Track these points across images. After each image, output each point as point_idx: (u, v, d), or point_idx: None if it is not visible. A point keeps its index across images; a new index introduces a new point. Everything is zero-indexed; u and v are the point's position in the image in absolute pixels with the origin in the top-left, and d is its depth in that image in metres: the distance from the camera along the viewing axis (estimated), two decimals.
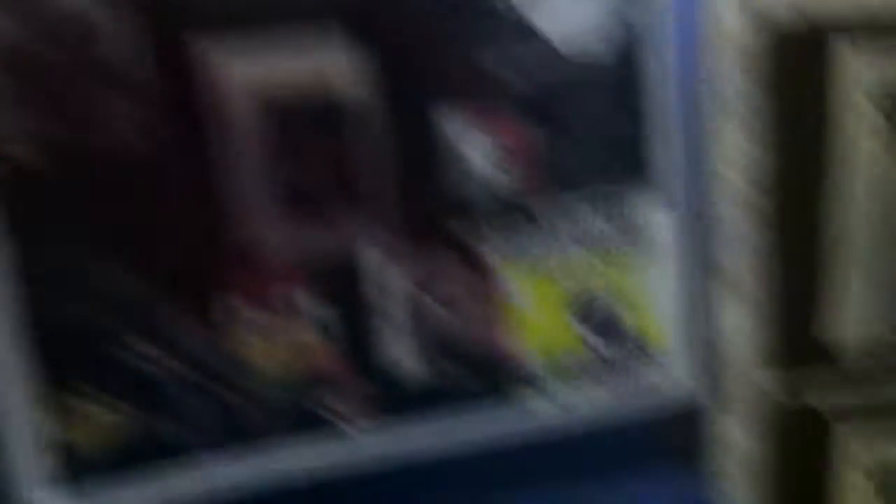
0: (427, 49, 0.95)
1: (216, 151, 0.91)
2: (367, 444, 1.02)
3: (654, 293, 1.08)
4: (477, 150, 0.98)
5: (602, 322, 1.07)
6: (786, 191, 1.10)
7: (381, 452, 1.03)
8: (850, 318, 1.13)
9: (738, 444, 1.22)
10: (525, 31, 0.96)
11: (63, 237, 0.90)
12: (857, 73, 1.05)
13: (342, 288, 0.98)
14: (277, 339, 0.97)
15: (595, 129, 1.01)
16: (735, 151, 1.08)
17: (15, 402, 0.92)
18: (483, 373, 1.04)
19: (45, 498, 0.94)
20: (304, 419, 1.00)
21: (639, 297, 1.07)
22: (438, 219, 0.99)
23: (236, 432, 0.98)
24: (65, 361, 0.92)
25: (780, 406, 1.22)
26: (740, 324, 1.18)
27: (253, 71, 0.90)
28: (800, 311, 1.16)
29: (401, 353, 1.01)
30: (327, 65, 0.92)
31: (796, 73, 1.06)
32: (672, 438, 1.15)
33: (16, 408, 0.92)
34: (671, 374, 1.11)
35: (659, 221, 1.06)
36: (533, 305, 1.04)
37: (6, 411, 0.92)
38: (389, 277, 0.99)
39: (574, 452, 1.10)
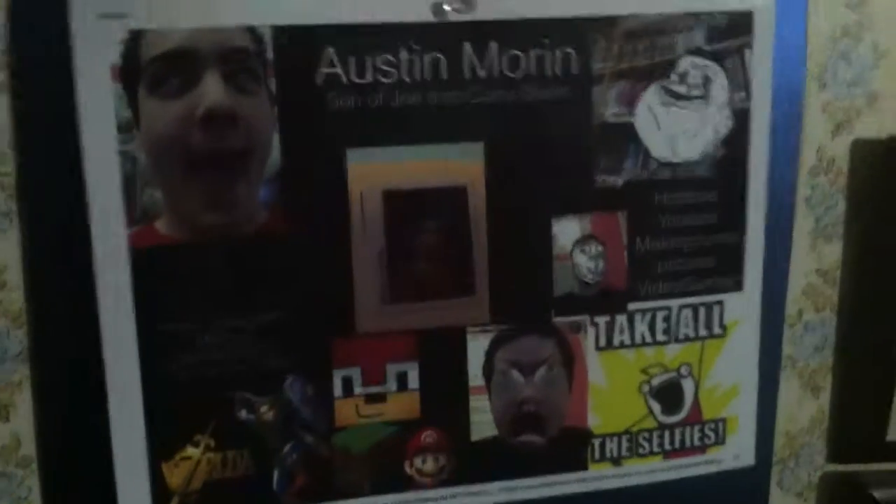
0: (549, 167, 1.02)
1: (342, 239, 0.98)
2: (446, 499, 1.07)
3: (728, 377, 1.11)
4: (584, 253, 1.04)
5: (673, 400, 1.10)
6: (869, 293, 1.17)
7: None
8: None
9: None
10: (635, 149, 1.03)
11: (189, 306, 0.96)
12: None
13: (445, 364, 1.04)
14: (380, 404, 1.02)
15: (693, 237, 1.06)
16: (820, 257, 1.17)
17: (134, 450, 0.96)
18: (561, 444, 1.08)
19: None
20: (388, 474, 1.05)
21: (712, 379, 1.11)
22: (540, 311, 1.05)
23: (330, 484, 1.03)
24: (179, 415, 0.98)
25: (844, 494, 1.23)
26: (812, 414, 1.21)
27: (388, 171, 0.98)
28: (871, 409, 1.19)
29: (488, 423, 1.06)
30: (459, 171, 0.99)
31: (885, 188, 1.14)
32: None
33: (134, 455, 0.97)
34: (737, 453, 1.14)
35: (742, 318, 1.10)
36: (612, 384, 1.08)
37: (126, 458, 0.96)
38: (489, 358, 1.04)
39: None
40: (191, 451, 0.97)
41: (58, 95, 0.89)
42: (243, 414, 0.98)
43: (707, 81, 1.02)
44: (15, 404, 0.97)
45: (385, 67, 0.95)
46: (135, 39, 0.89)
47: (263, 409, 0.98)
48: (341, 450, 1.02)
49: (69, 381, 0.96)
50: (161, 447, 0.97)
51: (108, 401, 0.94)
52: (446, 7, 0.95)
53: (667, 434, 1.10)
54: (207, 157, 0.92)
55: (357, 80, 0.94)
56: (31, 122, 0.91)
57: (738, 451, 1.13)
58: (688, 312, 1.07)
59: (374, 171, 0.97)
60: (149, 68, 0.89)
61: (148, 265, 0.93)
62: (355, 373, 1.00)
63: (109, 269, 0.92)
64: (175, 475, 0.98)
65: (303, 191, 0.96)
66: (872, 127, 1.14)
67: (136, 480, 0.97)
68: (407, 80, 0.95)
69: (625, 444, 1.09)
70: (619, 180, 1.02)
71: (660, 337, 1.07)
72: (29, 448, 0.99)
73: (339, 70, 0.94)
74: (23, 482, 1.00)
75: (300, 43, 0.93)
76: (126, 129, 0.90)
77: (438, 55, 0.96)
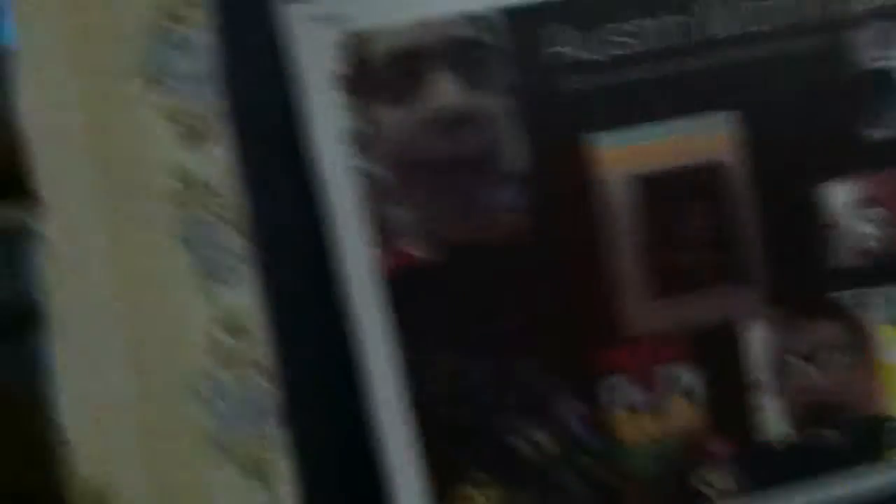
0: (810, 128, 0.93)
1: (597, 235, 0.89)
2: None
3: None
4: (861, 220, 0.94)
5: None
6: None
7: None
8: None
9: None
10: None
11: (449, 329, 0.87)
12: None
13: (723, 362, 0.93)
14: (658, 415, 0.92)
15: None
16: None
17: (409, 493, 0.87)
18: (857, 434, 0.97)
19: None
20: (678, 494, 0.94)
21: None
22: (820, 289, 0.94)
23: None
24: (453, 451, 0.89)
25: None
26: None
27: (637, 153, 0.89)
28: None
29: (777, 423, 0.95)
30: (712, 145, 0.90)
31: None
32: None
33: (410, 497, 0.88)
34: None
35: None
36: None
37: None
38: (769, 349, 0.94)
39: None
40: (469, 489, 0.89)
41: (275, 127, 0.84)
42: (519, 445, 0.89)
43: None
44: (270, 463, 0.90)
45: (620, 39, 0.87)
46: (354, 43, 0.82)
47: (539, 438, 0.89)
48: (622, 472, 0.91)
49: (328, 429, 0.88)
50: (438, 488, 0.88)
51: (381, 450, 0.86)
52: None
53: None
54: (447, 162, 0.85)
55: (591, 58, 0.86)
56: (253, 157, 0.85)
57: None
58: None
59: (620, 155, 0.88)
60: (373, 73, 0.83)
61: (400, 290, 0.85)
62: (624, 383, 0.91)
63: (360, 300, 0.84)
64: None
65: (547, 186, 0.87)
66: None
67: None
68: (645, 50, 0.87)
69: None
70: (893, 133, 0.92)
71: None
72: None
73: (571, 50, 0.86)
74: None
75: (527, 25, 0.86)
76: (356, 141, 0.83)
77: (680, 17, 0.87)
